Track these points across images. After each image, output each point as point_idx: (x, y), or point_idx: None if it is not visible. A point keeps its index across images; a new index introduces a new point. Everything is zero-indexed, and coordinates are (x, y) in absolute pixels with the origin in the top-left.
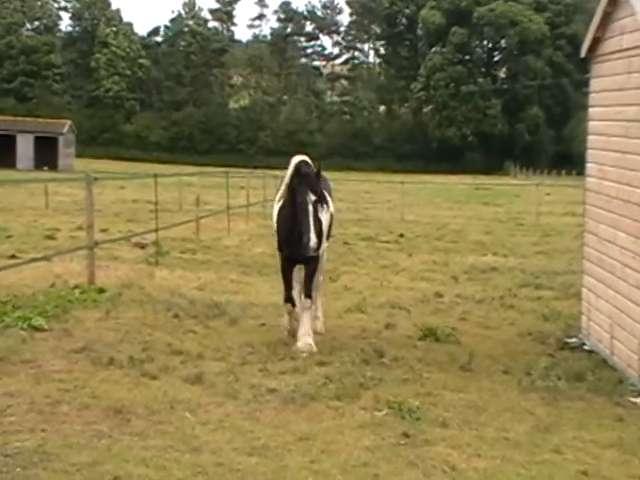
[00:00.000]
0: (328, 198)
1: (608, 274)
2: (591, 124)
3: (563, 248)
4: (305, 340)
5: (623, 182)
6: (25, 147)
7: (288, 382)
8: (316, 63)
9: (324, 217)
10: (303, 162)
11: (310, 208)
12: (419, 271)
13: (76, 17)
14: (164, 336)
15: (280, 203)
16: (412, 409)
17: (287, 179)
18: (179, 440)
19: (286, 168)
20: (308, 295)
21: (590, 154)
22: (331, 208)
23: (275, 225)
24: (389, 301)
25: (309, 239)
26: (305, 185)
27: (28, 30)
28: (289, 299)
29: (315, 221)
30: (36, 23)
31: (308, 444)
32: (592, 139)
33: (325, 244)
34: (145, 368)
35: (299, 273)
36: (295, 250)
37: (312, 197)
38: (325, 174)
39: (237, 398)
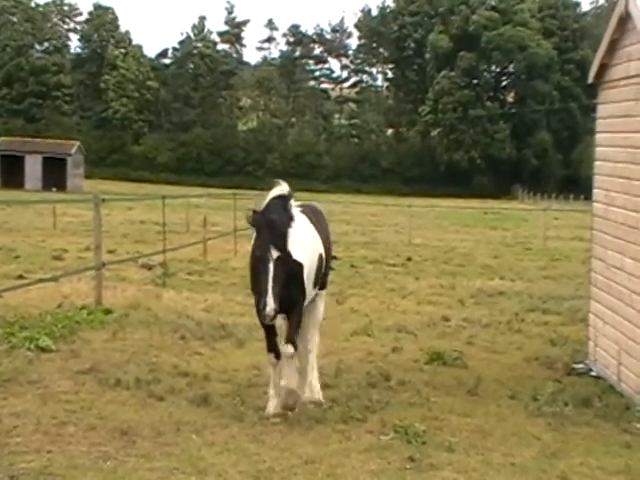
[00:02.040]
0: (315, 237)
1: (616, 300)
2: (598, 150)
3: (571, 273)
4: (299, 392)
5: (630, 208)
6: (33, 168)
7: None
8: (324, 86)
9: (305, 262)
10: (274, 202)
11: (271, 267)
12: (426, 294)
13: (85, 39)
14: (170, 357)
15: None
16: (418, 433)
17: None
18: (185, 462)
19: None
20: (289, 340)
21: (597, 180)
22: (321, 249)
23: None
24: (396, 324)
25: (265, 305)
26: (267, 237)
27: (37, 51)
28: (272, 348)
29: (279, 280)
30: (45, 44)
31: (314, 467)
32: (599, 165)
33: (313, 292)
34: (151, 389)
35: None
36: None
37: (275, 253)
38: (324, 205)
39: (243, 420)
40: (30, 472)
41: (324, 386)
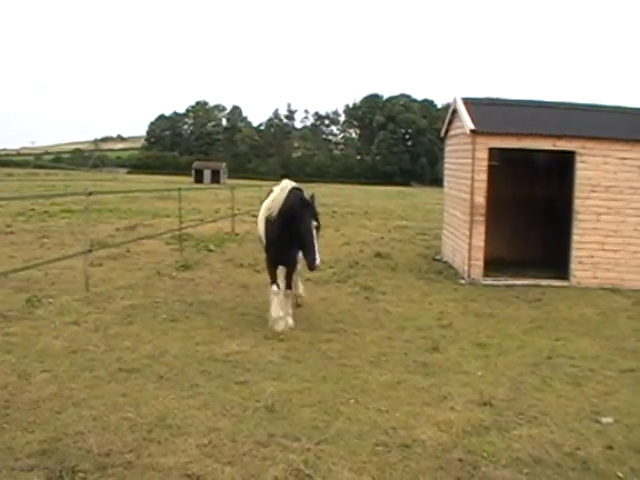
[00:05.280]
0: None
1: (452, 229)
2: (445, 165)
3: (435, 218)
4: (287, 319)
5: (456, 189)
6: (207, 174)
7: (318, 275)
8: (330, 137)
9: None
10: (295, 191)
11: (314, 232)
12: (373, 227)
13: (228, 120)
14: (263, 254)
15: (268, 216)
16: (370, 286)
17: (281, 198)
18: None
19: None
20: (289, 287)
21: (445, 179)
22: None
23: (263, 234)
24: (361, 240)
25: (315, 259)
26: (309, 214)
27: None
28: (274, 282)
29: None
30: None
31: (326, 301)
32: (445, 172)
33: None
34: (255, 268)
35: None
36: (281, 257)
37: (315, 223)
38: (325, 189)
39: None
40: (206, 300)
41: (330, 267)
